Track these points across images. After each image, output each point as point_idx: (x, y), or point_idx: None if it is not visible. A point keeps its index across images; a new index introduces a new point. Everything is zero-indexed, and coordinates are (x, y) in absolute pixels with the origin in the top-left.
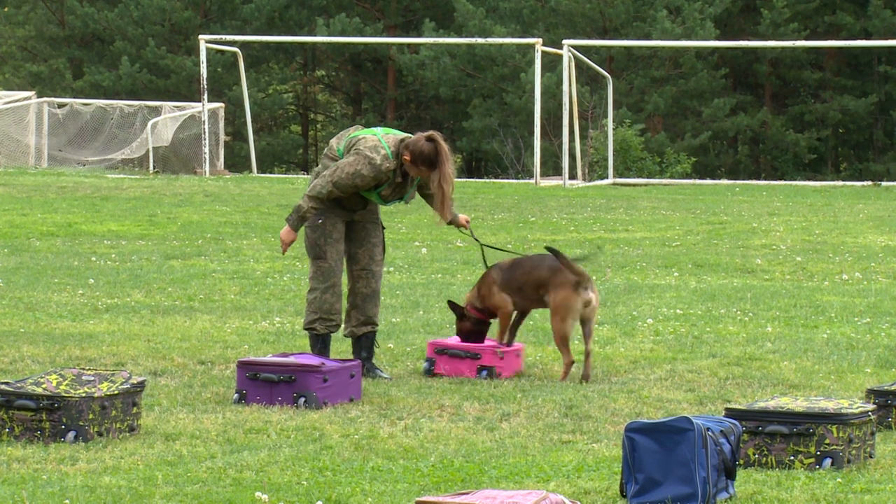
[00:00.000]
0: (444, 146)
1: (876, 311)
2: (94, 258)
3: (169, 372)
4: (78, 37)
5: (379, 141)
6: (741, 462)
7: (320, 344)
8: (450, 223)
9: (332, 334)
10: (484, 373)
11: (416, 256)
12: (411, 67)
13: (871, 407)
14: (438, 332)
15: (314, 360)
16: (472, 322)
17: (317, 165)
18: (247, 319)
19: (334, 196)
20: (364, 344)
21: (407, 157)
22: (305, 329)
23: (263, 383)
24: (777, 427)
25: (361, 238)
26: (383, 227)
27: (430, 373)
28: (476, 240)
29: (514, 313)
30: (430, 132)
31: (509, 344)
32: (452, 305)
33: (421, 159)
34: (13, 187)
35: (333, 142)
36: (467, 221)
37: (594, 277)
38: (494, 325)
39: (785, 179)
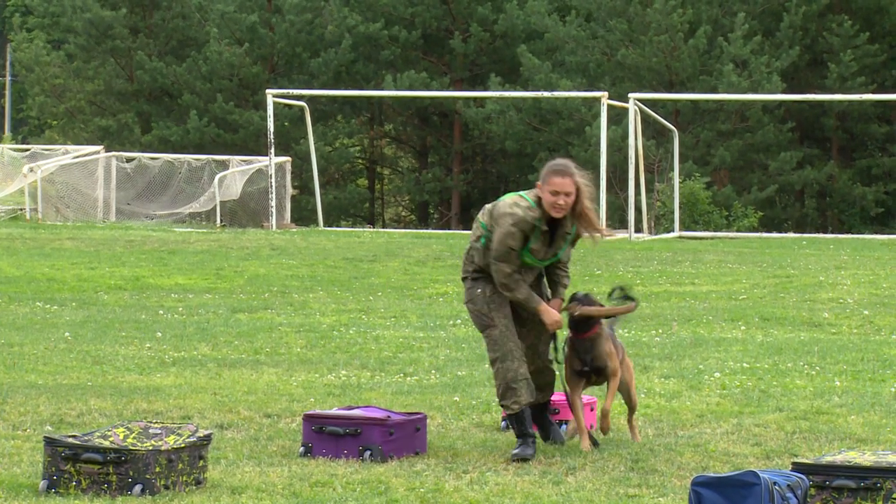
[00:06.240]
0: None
1: None
2: (161, 311)
3: (235, 425)
4: (146, 91)
5: (518, 195)
6: None
7: (519, 422)
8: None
9: (529, 405)
10: (564, 427)
11: None
12: (477, 121)
13: None
14: None
15: (380, 413)
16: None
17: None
18: (313, 373)
19: (510, 273)
20: (544, 408)
21: (539, 187)
22: (500, 406)
23: (329, 436)
24: (844, 481)
25: (524, 316)
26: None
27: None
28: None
29: None
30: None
31: None
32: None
33: (546, 171)
34: (81, 241)
35: (479, 216)
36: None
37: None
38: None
39: (852, 233)
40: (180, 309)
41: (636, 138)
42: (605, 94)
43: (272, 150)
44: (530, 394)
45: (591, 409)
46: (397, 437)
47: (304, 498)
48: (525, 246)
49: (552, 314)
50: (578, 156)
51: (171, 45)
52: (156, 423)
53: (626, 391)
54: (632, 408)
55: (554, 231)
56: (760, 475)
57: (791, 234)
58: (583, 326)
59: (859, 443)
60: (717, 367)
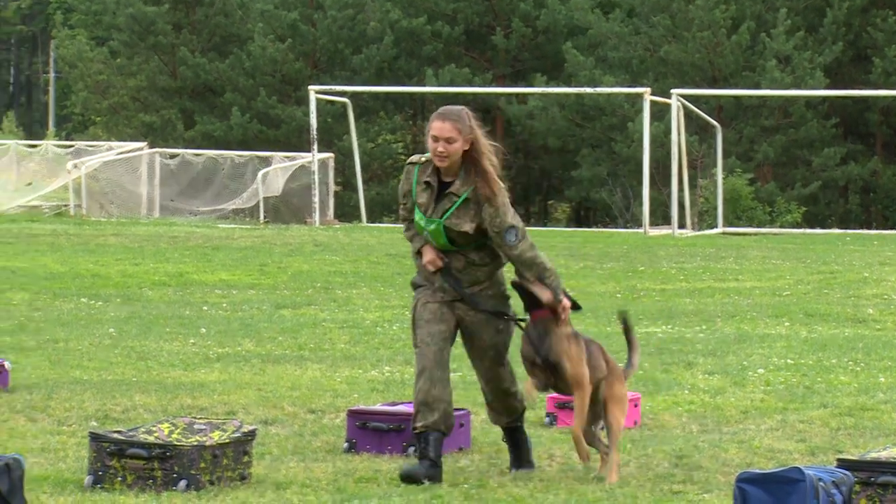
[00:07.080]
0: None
1: None
2: (205, 307)
3: (279, 421)
4: (189, 88)
5: None
6: None
7: (423, 443)
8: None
9: (441, 433)
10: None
11: None
12: (520, 117)
13: None
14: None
15: None
16: None
17: None
18: (356, 368)
19: (402, 214)
20: (508, 438)
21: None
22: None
23: (373, 432)
24: (890, 478)
25: (468, 337)
26: (506, 317)
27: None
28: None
29: None
30: None
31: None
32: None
33: (431, 116)
34: (126, 237)
35: None
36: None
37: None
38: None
39: None
40: (224, 305)
41: (679, 134)
42: (648, 90)
43: (315, 147)
44: (443, 419)
45: (636, 406)
46: None
47: (349, 493)
48: (412, 196)
49: (428, 253)
50: (621, 152)
51: (214, 41)
52: (200, 418)
53: (606, 415)
54: (612, 439)
55: (444, 188)
56: (805, 472)
57: (835, 230)
58: (534, 302)
59: None
60: (761, 364)
